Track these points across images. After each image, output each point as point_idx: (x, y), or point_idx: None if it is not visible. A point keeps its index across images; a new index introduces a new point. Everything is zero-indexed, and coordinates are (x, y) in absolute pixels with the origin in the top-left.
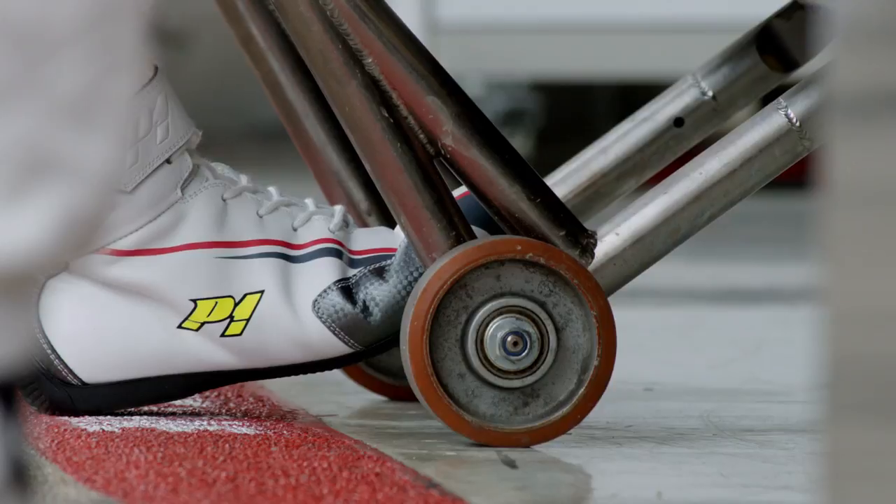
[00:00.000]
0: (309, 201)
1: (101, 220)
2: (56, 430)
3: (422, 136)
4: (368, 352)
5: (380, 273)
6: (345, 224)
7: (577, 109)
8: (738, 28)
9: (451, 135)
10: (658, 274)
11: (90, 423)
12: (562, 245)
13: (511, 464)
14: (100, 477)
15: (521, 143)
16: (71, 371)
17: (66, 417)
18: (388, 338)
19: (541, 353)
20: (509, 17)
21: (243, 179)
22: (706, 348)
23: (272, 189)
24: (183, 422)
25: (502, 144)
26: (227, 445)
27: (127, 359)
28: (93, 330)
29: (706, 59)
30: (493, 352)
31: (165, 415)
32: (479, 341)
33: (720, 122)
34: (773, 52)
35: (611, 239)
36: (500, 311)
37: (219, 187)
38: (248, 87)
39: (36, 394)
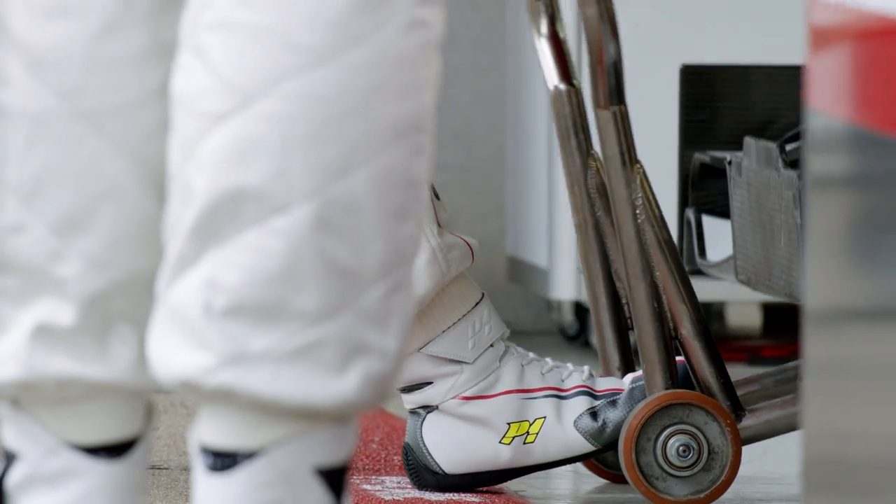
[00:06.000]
0: (569, 364)
1: (392, 384)
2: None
3: (671, 324)
4: (604, 449)
5: (613, 404)
6: (590, 376)
7: None
8: None
9: (686, 328)
10: None
11: (385, 493)
12: (727, 409)
13: None
14: None
15: None
16: (438, 464)
17: (422, 493)
18: (616, 440)
19: (698, 460)
20: None
21: (531, 354)
22: None
23: (548, 359)
24: (438, 495)
25: (712, 346)
26: None
27: (469, 460)
28: (451, 442)
29: None
30: (671, 453)
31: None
32: (664, 448)
33: None
34: None
35: (747, 420)
36: (678, 432)
37: (519, 358)
38: None
39: (416, 476)
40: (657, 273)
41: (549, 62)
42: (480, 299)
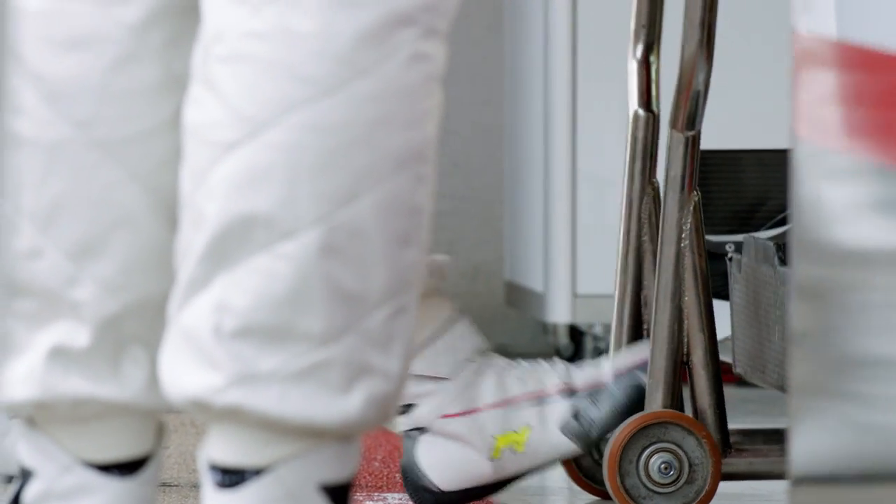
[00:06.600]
0: (542, 360)
1: (395, 404)
2: None
3: (685, 349)
4: (589, 448)
5: (594, 402)
6: (566, 369)
7: None
8: None
9: (697, 356)
10: None
11: None
12: (715, 439)
13: None
14: None
15: None
16: (433, 483)
17: None
18: (600, 438)
19: (679, 475)
20: None
21: (504, 361)
22: None
23: (524, 362)
24: None
25: (718, 380)
26: None
27: (464, 478)
28: (444, 462)
29: None
30: (653, 472)
31: None
32: (646, 468)
33: None
34: None
35: (732, 457)
36: (660, 450)
37: (496, 369)
38: None
39: (416, 495)
40: (686, 298)
41: (634, 85)
42: (452, 315)
